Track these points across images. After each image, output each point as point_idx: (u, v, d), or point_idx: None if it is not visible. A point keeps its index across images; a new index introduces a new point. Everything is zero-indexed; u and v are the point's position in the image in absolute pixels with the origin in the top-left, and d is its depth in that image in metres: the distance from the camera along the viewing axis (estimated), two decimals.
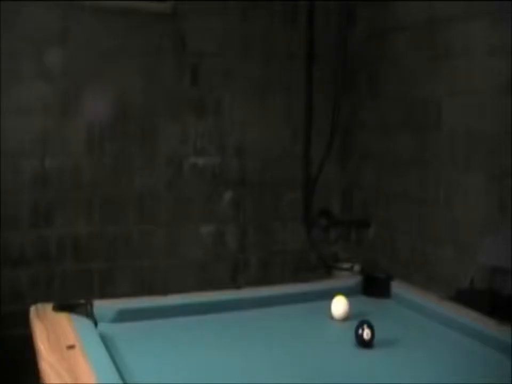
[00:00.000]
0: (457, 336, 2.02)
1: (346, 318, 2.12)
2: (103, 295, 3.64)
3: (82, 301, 2.07)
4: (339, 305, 2.14)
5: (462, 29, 3.48)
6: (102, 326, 1.98)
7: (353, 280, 2.53)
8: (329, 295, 2.20)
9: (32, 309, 2.04)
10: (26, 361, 1.87)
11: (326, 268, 4.37)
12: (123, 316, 2.08)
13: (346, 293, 2.24)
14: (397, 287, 2.41)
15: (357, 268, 4.21)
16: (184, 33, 4.04)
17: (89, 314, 2.00)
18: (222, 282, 4.12)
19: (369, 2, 4.29)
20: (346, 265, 4.31)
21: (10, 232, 3.71)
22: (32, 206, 3.78)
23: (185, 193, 4.12)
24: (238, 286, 2.38)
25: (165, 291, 2.81)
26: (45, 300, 2.11)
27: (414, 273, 3.75)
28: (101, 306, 2.08)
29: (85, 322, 1.94)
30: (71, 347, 1.72)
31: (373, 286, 2.44)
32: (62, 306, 2.02)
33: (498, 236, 3.21)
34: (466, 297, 2.91)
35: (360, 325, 1.92)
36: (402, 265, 3.94)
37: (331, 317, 2.15)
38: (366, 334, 1.90)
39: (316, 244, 4.51)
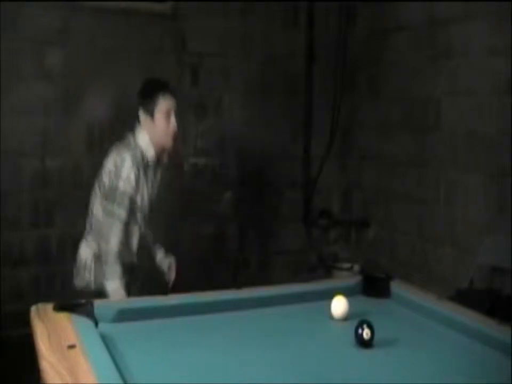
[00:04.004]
0: (457, 336, 2.02)
1: (346, 318, 2.12)
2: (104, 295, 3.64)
3: (82, 301, 2.07)
4: (339, 305, 2.14)
5: (462, 29, 3.49)
6: (103, 326, 1.98)
7: (353, 280, 2.53)
8: (329, 295, 2.19)
9: (33, 309, 2.04)
10: (27, 361, 1.87)
11: (326, 267, 4.38)
12: (123, 316, 2.08)
13: (346, 293, 2.24)
14: (396, 287, 2.41)
15: (356, 268, 4.21)
16: (184, 33, 4.04)
17: (90, 314, 2.00)
18: (222, 282, 4.12)
19: (369, 2, 4.30)
20: (346, 265, 4.31)
21: (11, 232, 3.72)
22: (33, 205, 3.79)
23: (185, 193, 4.13)
24: (238, 286, 2.38)
25: (165, 291, 2.82)
26: (46, 299, 2.11)
27: (414, 273, 3.75)
28: (102, 306, 2.08)
29: (86, 322, 1.94)
30: (71, 347, 1.72)
31: (372, 286, 2.44)
32: (62, 306, 2.02)
33: (498, 236, 3.21)
34: (466, 297, 2.92)
35: (360, 325, 1.92)
36: (402, 265, 3.95)
37: (331, 317, 2.15)
38: (366, 333, 1.90)
39: (315, 244, 4.51)
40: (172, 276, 2.98)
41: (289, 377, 1.73)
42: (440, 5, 3.64)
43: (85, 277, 2.81)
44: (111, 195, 2.70)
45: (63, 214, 3.85)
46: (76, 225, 3.87)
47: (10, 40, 3.60)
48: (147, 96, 2.77)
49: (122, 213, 2.70)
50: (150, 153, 2.77)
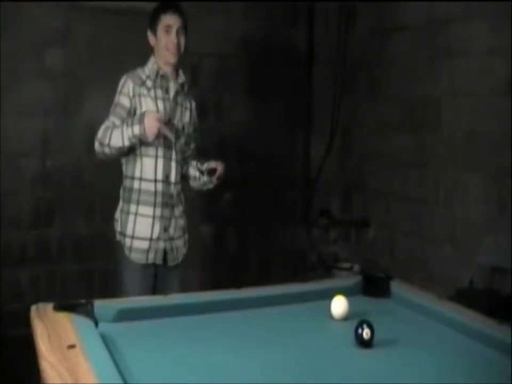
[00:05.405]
0: (457, 336, 2.02)
1: (346, 318, 2.12)
2: (104, 295, 3.65)
3: (82, 301, 2.07)
4: (339, 305, 2.14)
5: (462, 29, 3.49)
6: (103, 326, 1.98)
7: (353, 280, 2.53)
8: (329, 295, 2.20)
9: (33, 309, 2.04)
10: (27, 361, 1.87)
11: (326, 267, 4.38)
12: (123, 316, 2.08)
13: (346, 293, 2.24)
14: (396, 287, 2.41)
15: (356, 268, 4.21)
16: None
17: (90, 314, 2.00)
18: (222, 282, 4.12)
19: (369, 2, 4.30)
20: (346, 265, 4.31)
21: (11, 232, 3.72)
22: (33, 206, 3.79)
23: (185, 193, 4.12)
24: (238, 286, 2.38)
25: (165, 291, 2.81)
26: (46, 299, 2.11)
27: (414, 273, 3.75)
28: (102, 306, 2.08)
29: (86, 322, 1.95)
30: (71, 347, 1.72)
31: (372, 286, 2.44)
32: (62, 306, 2.02)
33: (498, 236, 3.21)
34: (466, 297, 2.92)
35: (360, 325, 1.92)
36: (402, 265, 3.95)
37: (331, 317, 2.15)
38: (366, 333, 1.90)
39: (315, 244, 4.52)
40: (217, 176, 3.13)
41: (289, 377, 1.73)
42: (440, 5, 3.64)
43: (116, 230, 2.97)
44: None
45: (63, 214, 3.85)
46: (75, 225, 3.90)
47: (11, 40, 3.60)
48: (153, 17, 2.89)
49: (112, 118, 2.81)
50: (149, 67, 2.88)
